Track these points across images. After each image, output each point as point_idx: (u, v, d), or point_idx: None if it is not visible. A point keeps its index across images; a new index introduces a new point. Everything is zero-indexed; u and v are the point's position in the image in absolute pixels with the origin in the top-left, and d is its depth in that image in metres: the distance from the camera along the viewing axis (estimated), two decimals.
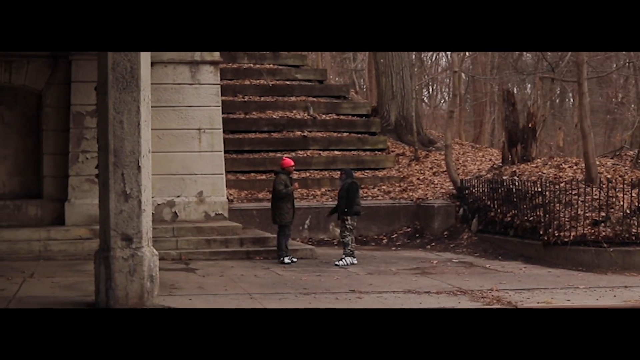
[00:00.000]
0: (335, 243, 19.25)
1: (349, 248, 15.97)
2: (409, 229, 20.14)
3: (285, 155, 21.84)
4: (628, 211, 16.01)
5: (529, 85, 35.70)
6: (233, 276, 14.10)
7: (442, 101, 42.70)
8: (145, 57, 11.14)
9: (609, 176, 17.50)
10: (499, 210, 18.11)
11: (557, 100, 37.47)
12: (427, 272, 14.92)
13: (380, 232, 20.16)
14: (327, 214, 17.50)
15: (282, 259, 16.02)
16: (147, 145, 11.17)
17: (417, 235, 19.86)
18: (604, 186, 16.38)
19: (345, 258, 15.90)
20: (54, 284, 12.99)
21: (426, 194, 20.81)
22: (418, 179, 21.96)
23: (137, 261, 10.94)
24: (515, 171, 19.24)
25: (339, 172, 21.84)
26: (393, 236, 19.99)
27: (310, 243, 19.08)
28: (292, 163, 16.64)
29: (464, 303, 11.79)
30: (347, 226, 16.00)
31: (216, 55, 18.99)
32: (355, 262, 15.97)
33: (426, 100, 41.21)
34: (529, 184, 17.25)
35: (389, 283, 13.53)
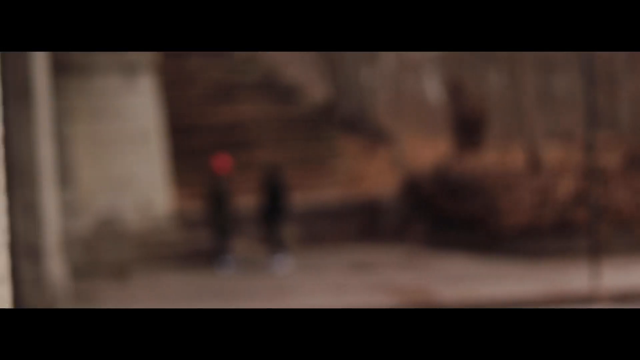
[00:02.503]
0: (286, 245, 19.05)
1: (284, 249, 15.81)
2: (359, 225, 19.89)
3: (233, 156, 21.60)
4: (569, 198, 15.79)
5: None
6: (163, 285, 13.90)
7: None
8: (40, 65, 10.90)
9: (555, 162, 17.27)
10: (445, 203, 17.90)
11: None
12: (363, 269, 14.71)
13: (332, 230, 19.90)
14: (260, 217, 16.91)
15: (219, 265, 15.78)
16: (48, 156, 10.95)
17: (367, 231, 19.62)
18: (548, 173, 16.19)
19: (283, 260, 15.72)
20: None
21: (377, 189, 20.59)
22: (369, 173, 21.73)
23: (43, 274, 10.74)
24: (461, 161, 19.00)
25: (286, 171, 21.65)
26: (344, 233, 19.74)
27: (259, 247, 18.81)
28: (223, 165, 16.37)
29: (379, 298, 11.59)
30: (282, 227, 15.84)
31: (154, 58, 18.73)
32: (290, 263, 15.77)
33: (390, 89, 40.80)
34: (472, 174, 17.05)
35: (318, 282, 13.34)
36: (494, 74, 30.64)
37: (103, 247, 16.79)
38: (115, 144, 18.34)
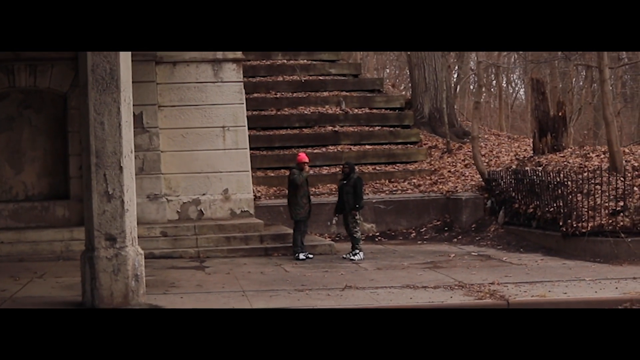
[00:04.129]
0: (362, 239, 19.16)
1: (359, 242, 15.99)
2: (438, 222, 19.92)
3: (316, 150, 21.90)
4: None
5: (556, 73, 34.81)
6: (239, 274, 14.13)
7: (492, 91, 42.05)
8: (125, 58, 11.22)
9: (636, 164, 17.06)
10: (522, 202, 17.81)
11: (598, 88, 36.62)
12: (437, 267, 14.75)
13: (409, 226, 19.99)
14: (334, 212, 17.26)
15: (296, 255, 16.03)
16: (129, 145, 11.25)
17: (445, 228, 19.64)
18: (628, 175, 16.01)
19: (359, 252, 15.88)
20: (57, 284, 13.19)
21: (456, 187, 20.58)
22: (449, 171, 21.72)
23: (121, 261, 11.06)
24: (541, 161, 18.88)
25: (367, 166, 21.81)
26: (422, 230, 19.79)
27: (337, 239, 18.98)
28: (305, 159, 16.51)
29: (456, 298, 11.63)
30: (357, 221, 16.02)
31: (239, 53, 19.08)
32: (365, 256, 15.96)
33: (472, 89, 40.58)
34: (551, 174, 16.91)
35: (391, 278, 13.41)
36: (578, 76, 30.26)
37: (183, 234, 17.23)
38: (199, 136, 18.79)
